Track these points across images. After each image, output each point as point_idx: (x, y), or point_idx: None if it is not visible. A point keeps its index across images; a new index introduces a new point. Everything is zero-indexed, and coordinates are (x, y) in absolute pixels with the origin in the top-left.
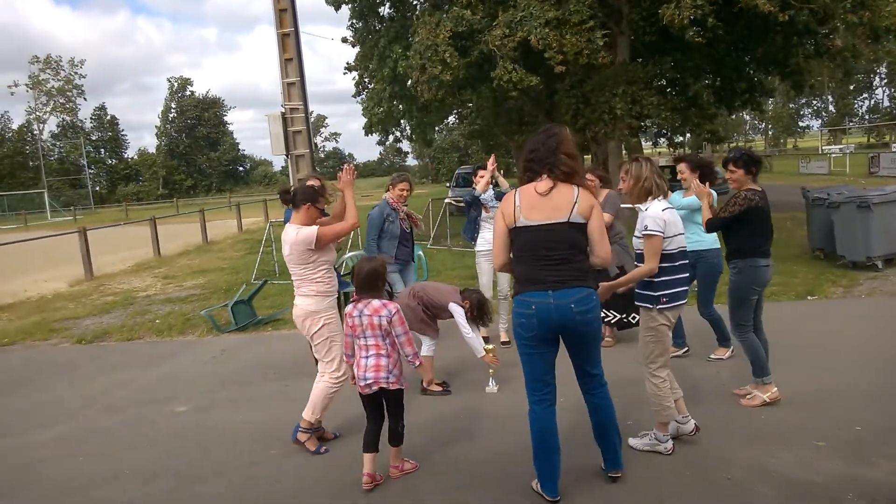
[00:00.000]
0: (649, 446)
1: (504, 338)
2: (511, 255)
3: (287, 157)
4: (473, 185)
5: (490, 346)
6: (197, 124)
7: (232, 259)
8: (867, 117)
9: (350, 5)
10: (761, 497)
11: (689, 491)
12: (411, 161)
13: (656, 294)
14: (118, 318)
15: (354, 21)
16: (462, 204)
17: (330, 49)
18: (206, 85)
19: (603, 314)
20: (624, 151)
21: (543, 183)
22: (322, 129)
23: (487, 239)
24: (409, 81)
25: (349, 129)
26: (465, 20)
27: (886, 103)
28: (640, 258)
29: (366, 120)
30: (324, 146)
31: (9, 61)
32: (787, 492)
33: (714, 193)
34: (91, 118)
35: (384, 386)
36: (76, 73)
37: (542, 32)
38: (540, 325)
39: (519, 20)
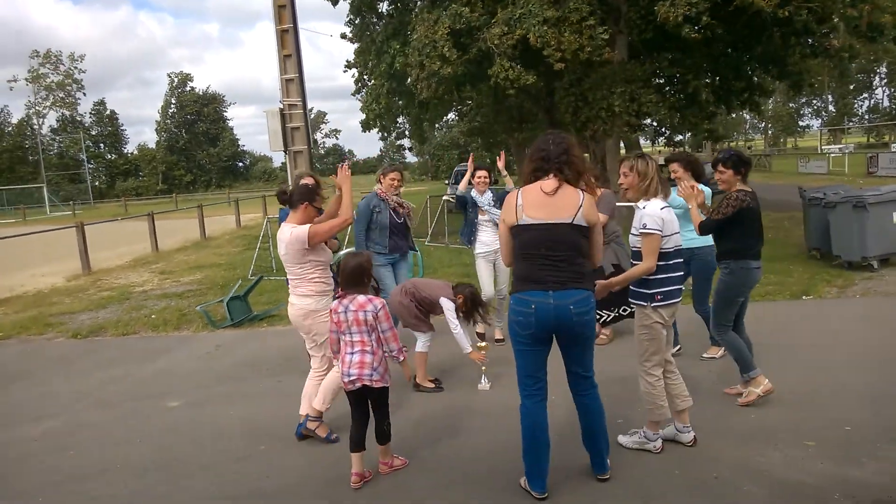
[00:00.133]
0: (638, 444)
1: (498, 335)
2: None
3: (285, 153)
4: (471, 183)
5: (483, 345)
6: (196, 120)
7: (229, 255)
8: (867, 117)
9: (348, 0)
10: (748, 496)
11: (676, 489)
12: (411, 158)
13: (651, 292)
14: (114, 313)
15: (353, 17)
16: (453, 201)
17: (331, 45)
18: (208, 80)
19: (597, 315)
20: (622, 150)
21: (550, 182)
22: (322, 126)
23: (485, 242)
24: (409, 79)
25: (349, 126)
26: (464, 18)
27: (886, 103)
28: (636, 256)
29: (363, 116)
30: (324, 143)
31: (9, 56)
32: (774, 491)
33: (708, 190)
34: (90, 113)
35: (367, 384)
36: (76, 67)
37: (541, 30)
38: (538, 324)
39: (518, 17)
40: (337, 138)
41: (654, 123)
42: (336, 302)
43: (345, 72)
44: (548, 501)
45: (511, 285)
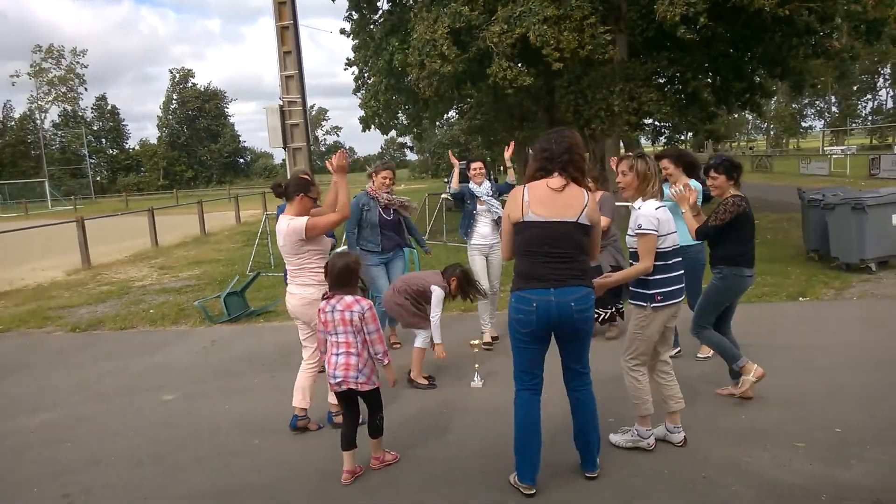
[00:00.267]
0: (631, 442)
1: (493, 334)
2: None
3: (284, 149)
4: (470, 179)
5: (476, 342)
6: (198, 116)
7: (228, 251)
8: (870, 119)
9: None
10: (735, 496)
11: (664, 488)
12: (412, 156)
13: (650, 292)
14: (113, 308)
15: (353, 12)
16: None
17: (332, 42)
18: (209, 76)
19: (595, 313)
20: (622, 150)
21: (557, 180)
22: (323, 123)
23: (482, 233)
24: (409, 78)
25: (351, 123)
26: (464, 16)
27: (890, 105)
28: (633, 257)
29: (363, 114)
30: (325, 140)
31: (12, 50)
32: (762, 492)
33: (698, 184)
34: (92, 108)
35: (353, 387)
36: (78, 62)
37: (541, 29)
38: (538, 322)
39: (518, 16)
40: (338, 135)
41: (656, 123)
42: (324, 302)
43: (345, 69)
44: (536, 498)
45: (511, 283)
